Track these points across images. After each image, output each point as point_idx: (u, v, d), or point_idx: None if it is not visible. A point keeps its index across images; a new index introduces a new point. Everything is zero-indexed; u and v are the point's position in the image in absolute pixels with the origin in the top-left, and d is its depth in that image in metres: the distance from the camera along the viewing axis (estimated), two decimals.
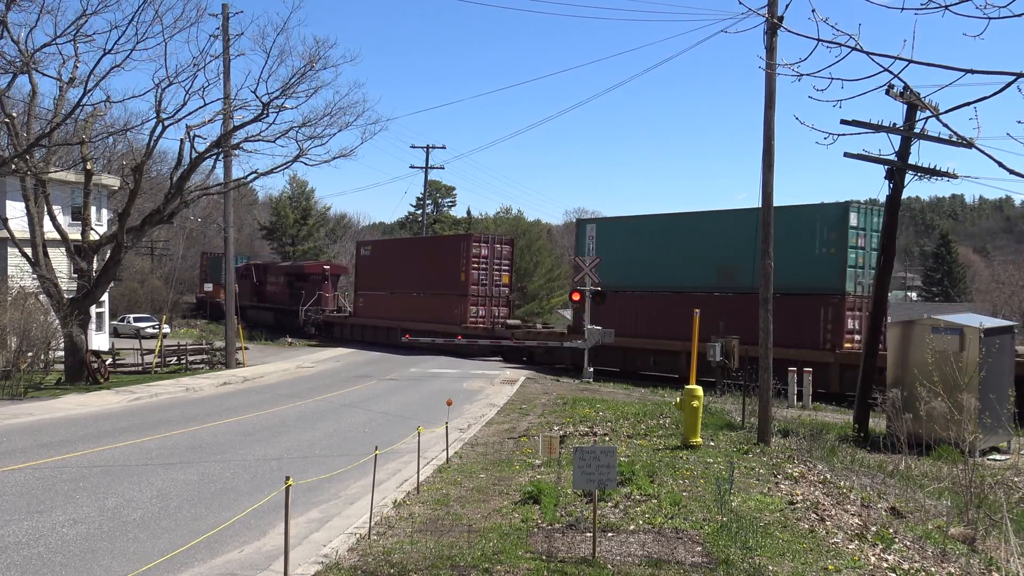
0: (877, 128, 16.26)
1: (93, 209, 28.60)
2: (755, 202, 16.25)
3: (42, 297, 25.90)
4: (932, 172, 17.31)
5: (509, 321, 39.73)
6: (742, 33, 10.77)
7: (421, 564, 7.86)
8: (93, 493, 11.06)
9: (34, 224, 25.12)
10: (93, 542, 8.90)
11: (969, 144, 5.80)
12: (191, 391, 24.23)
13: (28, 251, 25.17)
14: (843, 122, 15.38)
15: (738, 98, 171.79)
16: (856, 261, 26.29)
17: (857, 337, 25.59)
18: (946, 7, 5.12)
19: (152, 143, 25.97)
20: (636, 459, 12.83)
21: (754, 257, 27.34)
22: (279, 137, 26.53)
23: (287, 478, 7.12)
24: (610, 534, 8.87)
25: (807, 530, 9.08)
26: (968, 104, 5.33)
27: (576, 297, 30.39)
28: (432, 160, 59.48)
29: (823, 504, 10.32)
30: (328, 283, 52.30)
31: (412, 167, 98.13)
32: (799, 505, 10.19)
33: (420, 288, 42.75)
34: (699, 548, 8.36)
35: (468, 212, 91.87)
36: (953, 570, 8.35)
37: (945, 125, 6.41)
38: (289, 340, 48.05)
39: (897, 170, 17.26)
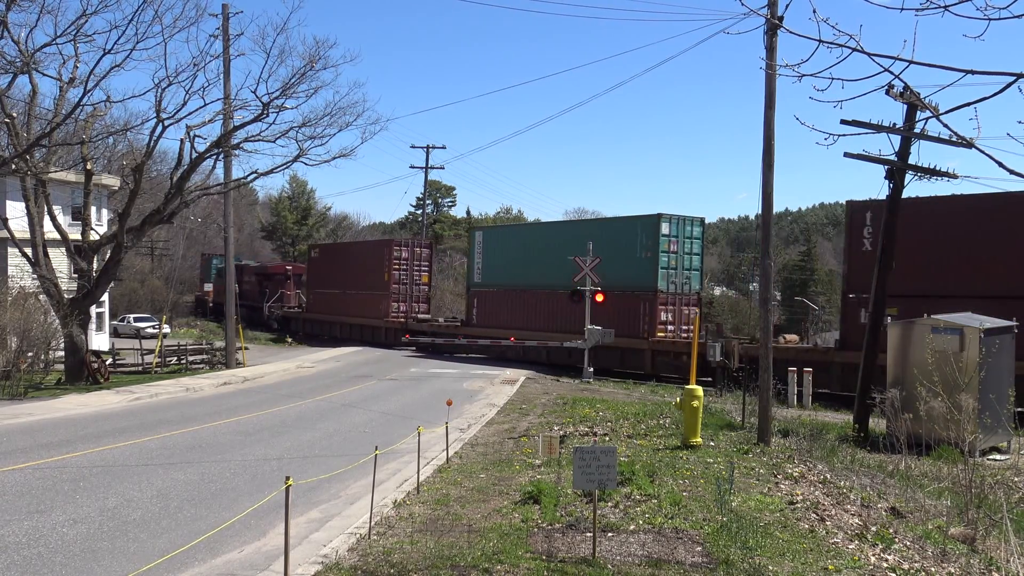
0: (877, 128, 16.26)
1: (93, 209, 28.60)
2: (755, 202, 16.28)
3: (42, 297, 25.89)
4: (932, 172, 17.30)
5: (420, 316, 44.60)
6: (743, 34, 10.78)
7: (421, 564, 7.86)
8: (93, 493, 11.06)
9: (34, 224, 25.13)
10: (93, 542, 8.90)
11: (969, 144, 5.80)
12: (191, 391, 24.23)
13: (28, 251, 25.18)
14: (843, 122, 15.38)
15: (738, 98, 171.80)
16: (668, 263, 31.50)
17: (671, 327, 31.28)
18: (946, 8, 5.12)
19: (152, 143, 26.01)
20: (636, 459, 12.83)
21: (559, 262, 33.32)
22: (279, 137, 26.59)
23: (287, 478, 7.13)
24: (610, 534, 8.87)
25: (807, 530, 9.09)
26: (968, 104, 5.34)
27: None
28: (432, 160, 59.56)
29: (823, 504, 10.32)
30: (291, 282, 57.98)
31: (412, 167, 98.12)
32: (799, 505, 10.19)
33: (355, 287, 47.35)
34: (699, 548, 8.36)
35: (468, 212, 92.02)
36: (953, 570, 8.35)
37: (945, 125, 6.42)
38: (289, 340, 48.26)
39: (897, 170, 17.26)
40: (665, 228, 31.28)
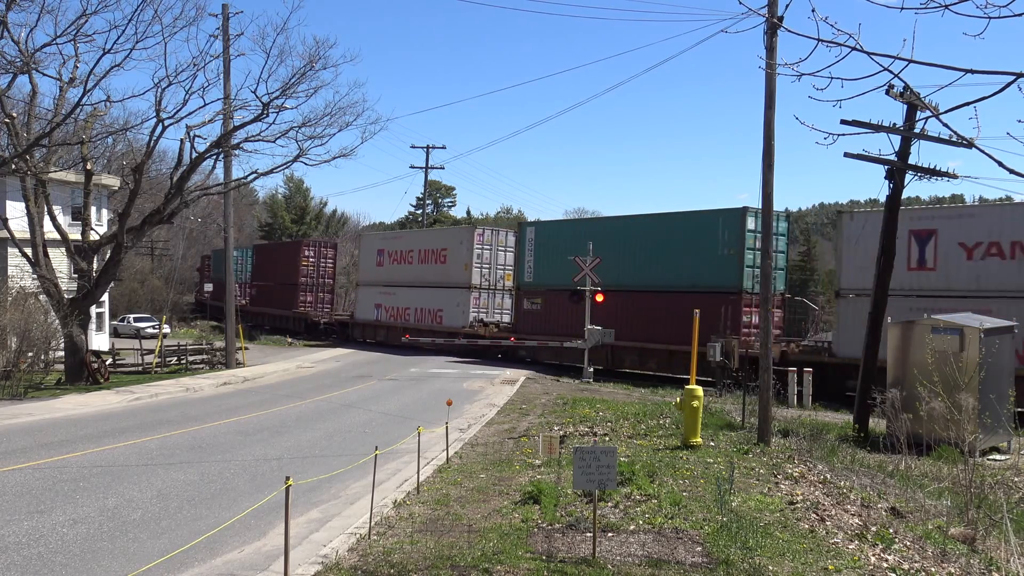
0: (877, 128, 16.25)
1: (93, 209, 28.61)
2: (755, 202, 16.20)
3: (42, 297, 25.90)
4: (932, 172, 17.30)
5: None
6: (742, 33, 10.77)
7: (421, 564, 7.86)
8: (93, 493, 11.06)
9: (34, 224, 25.13)
10: (93, 542, 8.90)
11: (969, 144, 5.80)
12: (191, 391, 24.23)
13: (28, 251, 25.17)
14: (843, 122, 15.38)
15: (738, 98, 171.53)
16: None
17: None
18: (946, 7, 5.12)
19: (152, 143, 26.01)
20: (636, 459, 12.83)
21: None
22: (279, 137, 26.58)
23: (287, 478, 7.13)
24: (610, 534, 8.87)
25: (807, 530, 9.08)
26: (968, 104, 5.35)
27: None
28: (432, 160, 59.59)
29: (823, 504, 10.32)
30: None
31: (412, 167, 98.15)
32: (799, 505, 10.19)
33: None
34: (699, 548, 8.36)
35: (468, 212, 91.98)
36: (953, 570, 8.35)
37: (945, 125, 6.43)
38: (289, 340, 48.20)
39: (897, 170, 17.26)
40: (751, 223, 27.14)
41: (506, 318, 37.13)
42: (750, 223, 27.13)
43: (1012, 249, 22.22)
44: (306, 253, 52.24)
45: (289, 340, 48.23)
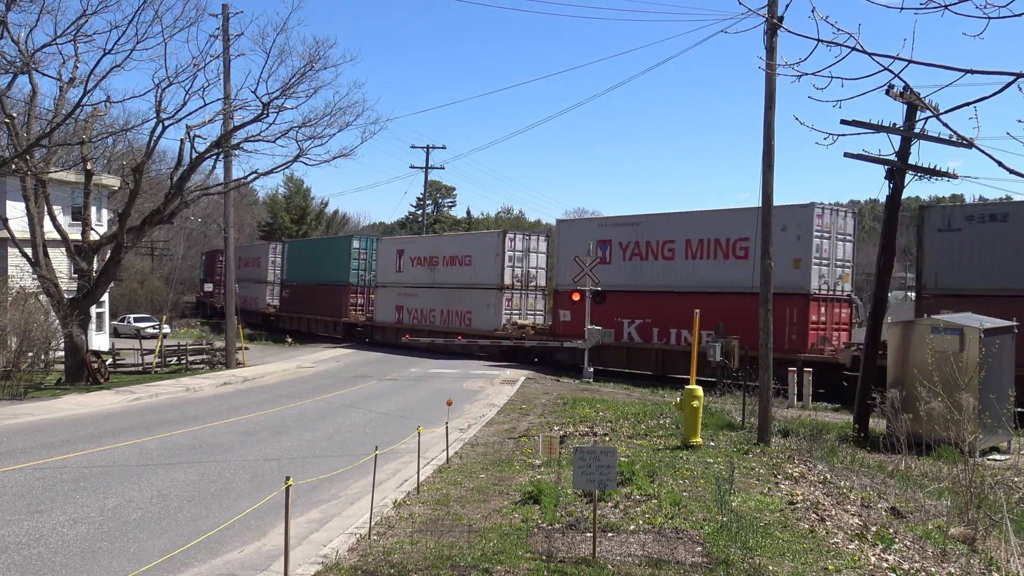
0: (877, 128, 16.26)
1: (93, 209, 28.61)
2: (756, 202, 16.30)
3: (42, 297, 25.90)
4: (932, 172, 17.30)
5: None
6: (742, 33, 10.75)
7: (421, 564, 7.86)
8: (93, 493, 11.06)
9: (34, 224, 25.13)
10: (93, 542, 8.91)
11: (969, 144, 5.80)
12: (191, 391, 24.23)
13: (28, 251, 25.18)
14: (843, 122, 15.38)
15: (738, 98, 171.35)
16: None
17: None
18: (946, 7, 5.13)
19: (152, 143, 26.02)
20: (636, 459, 12.83)
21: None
22: (279, 137, 26.59)
23: (287, 478, 7.13)
24: (610, 534, 8.87)
25: (807, 530, 9.08)
26: (968, 104, 5.35)
27: (576, 297, 30.40)
28: (432, 160, 59.69)
29: (823, 504, 10.32)
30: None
31: (412, 167, 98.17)
32: (799, 505, 10.19)
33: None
34: (699, 548, 8.36)
35: (468, 212, 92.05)
36: (953, 570, 8.35)
37: (945, 125, 6.43)
38: (289, 340, 48.26)
39: (897, 170, 17.25)
40: (356, 244, 49.57)
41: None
42: (355, 244, 48.63)
43: (425, 260, 42.12)
44: (219, 258, 65.01)
45: (289, 340, 48.36)
